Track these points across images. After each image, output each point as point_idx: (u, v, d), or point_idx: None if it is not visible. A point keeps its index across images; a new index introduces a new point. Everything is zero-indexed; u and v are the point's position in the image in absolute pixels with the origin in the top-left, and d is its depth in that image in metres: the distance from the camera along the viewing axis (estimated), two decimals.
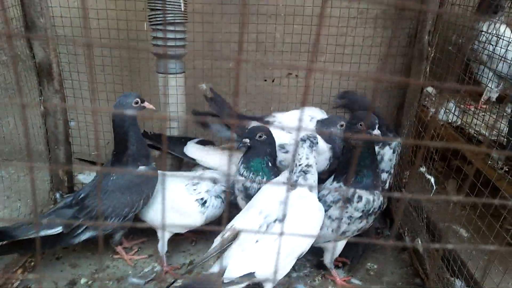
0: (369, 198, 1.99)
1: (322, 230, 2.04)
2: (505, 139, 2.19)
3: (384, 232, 2.61)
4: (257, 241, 1.82)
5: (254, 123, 2.37)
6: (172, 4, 2.39)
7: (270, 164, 2.21)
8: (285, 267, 1.86)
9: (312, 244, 1.99)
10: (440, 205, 2.64)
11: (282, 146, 2.36)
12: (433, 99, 2.50)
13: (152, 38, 2.49)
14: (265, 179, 2.17)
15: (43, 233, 2.01)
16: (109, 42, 2.73)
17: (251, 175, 2.19)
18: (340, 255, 2.36)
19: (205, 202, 2.22)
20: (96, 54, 2.71)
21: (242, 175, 2.22)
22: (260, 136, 2.16)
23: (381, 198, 2.04)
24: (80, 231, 2.06)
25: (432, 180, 1.86)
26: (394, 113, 2.87)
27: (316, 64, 2.93)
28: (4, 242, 2.00)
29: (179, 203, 2.22)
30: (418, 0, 2.59)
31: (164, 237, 2.22)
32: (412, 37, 2.69)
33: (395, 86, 2.86)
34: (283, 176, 2.13)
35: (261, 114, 2.61)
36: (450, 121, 2.45)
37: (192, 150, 2.54)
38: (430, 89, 2.20)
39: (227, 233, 1.87)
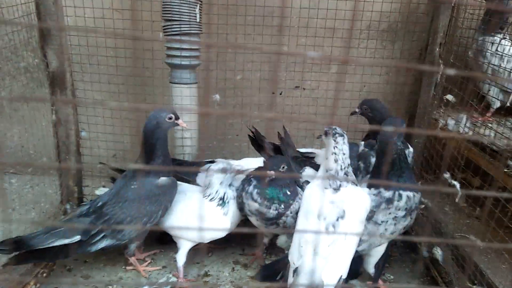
0: (409, 195, 1.99)
1: (371, 238, 2.05)
2: None
3: (397, 243, 2.61)
4: (329, 245, 1.82)
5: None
6: (188, 15, 2.41)
7: (288, 192, 2.15)
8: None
9: (357, 252, 2.00)
10: (453, 215, 2.67)
11: None
12: (453, 107, 2.49)
13: (167, 48, 2.50)
14: (282, 206, 2.12)
15: (61, 242, 1.97)
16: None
17: (265, 202, 2.13)
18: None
19: (223, 200, 2.18)
20: (110, 64, 2.70)
21: (255, 200, 2.14)
22: (283, 168, 2.12)
23: (420, 193, 2.04)
24: (97, 238, 2.02)
25: (458, 185, 1.88)
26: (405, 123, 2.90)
27: (325, 76, 2.97)
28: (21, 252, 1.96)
29: (203, 212, 2.19)
30: (429, 14, 2.65)
31: (185, 247, 2.18)
32: (423, 49, 2.73)
33: (406, 97, 2.91)
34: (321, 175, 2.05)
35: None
36: (461, 132, 2.47)
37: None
38: (450, 96, 2.23)
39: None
